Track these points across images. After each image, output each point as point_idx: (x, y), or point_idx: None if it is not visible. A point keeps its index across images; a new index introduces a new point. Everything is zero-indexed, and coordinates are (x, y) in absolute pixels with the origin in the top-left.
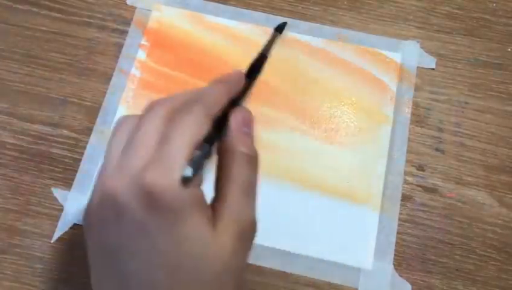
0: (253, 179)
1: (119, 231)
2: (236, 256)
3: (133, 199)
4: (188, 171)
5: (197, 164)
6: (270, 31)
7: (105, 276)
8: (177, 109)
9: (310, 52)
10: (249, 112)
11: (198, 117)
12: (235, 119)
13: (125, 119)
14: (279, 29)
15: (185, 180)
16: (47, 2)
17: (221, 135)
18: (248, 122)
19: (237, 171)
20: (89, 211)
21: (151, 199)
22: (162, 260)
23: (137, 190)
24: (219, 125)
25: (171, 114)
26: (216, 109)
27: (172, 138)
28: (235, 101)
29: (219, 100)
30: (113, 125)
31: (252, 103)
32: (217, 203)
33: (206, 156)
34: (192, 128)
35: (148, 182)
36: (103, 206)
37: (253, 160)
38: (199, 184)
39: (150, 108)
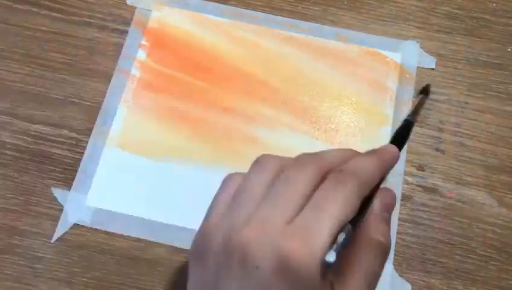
0: (380, 270)
1: (240, 280)
2: None
3: (267, 256)
4: (331, 257)
5: (339, 249)
6: (270, 31)
7: None
8: (328, 169)
9: (309, 52)
10: (395, 195)
11: (352, 194)
12: (380, 203)
13: (233, 177)
14: (425, 91)
15: (326, 265)
16: (47, 2)
17: (363, 216)
18: (391, 207)
19: (367, 259)
20: (206, 243)
21: (285, 265)
22: None
23: (274, 250)
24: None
25: (321, 175)
26: (369, 188)
27: (323, 209)
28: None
29: (374, 179)
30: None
31: (251, 103)
32: (338, 286)
33: (348, 240)
34: (344, 205)
35: (288, 248)
36: (229, 250)
37: (385, 251)
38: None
39: (300, 163)
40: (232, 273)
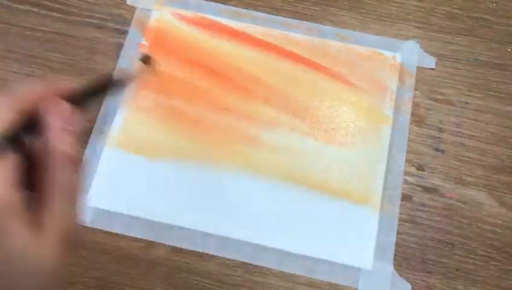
0: (75, 181)
1: None
2: (61, 265)
3: None
4: None
5: None
6: (270, 31)
7: None
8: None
9: (309, 52)
10: (68, 107)
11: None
12: (52, 115)
13: None
14: (145, 59)
15: None
16: (47, 2)
17: (36, 132)
18: (69, 118)
19: (57, 173)
20: None
21: None
22: None
23: None
24: (33, 122)
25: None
26: (23, 101)
27: None
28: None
29: (31, 92)
30: None
31: (251, 103)
32: (38, 208)
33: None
34: None
35: None
36: None
37: (74, 160)
38: (12, 184)
39: None
40: None
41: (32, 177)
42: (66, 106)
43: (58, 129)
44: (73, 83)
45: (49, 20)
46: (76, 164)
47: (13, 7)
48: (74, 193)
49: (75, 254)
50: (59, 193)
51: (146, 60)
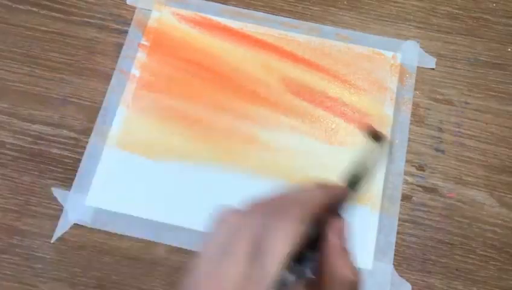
0: None
1: None
2: None
3: None
4: None
5: (278, 286)
6: (270, 31)
7: None
8: (272, 210)
9: (310, 52)
10: (346, 223)
11: (294, 220)
12: (332, 232)
13: (226, 216)
14: (378, 138)
15: None
16: (47, 2)
17: (315, 249)
18: (346, 235)
19: None
20: None
21: None
22: None
23: None
24: (313, 240)
25: (265, 219)
26: (313, 209)
27: (264, 252)
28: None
29: (316, 201)
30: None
31: (251, 103)
32: None
33: (296, 275)
34: (288, 235)
35: None
36: None
37: (353, 285)
38: None
39: (248, 211)
40: None
41: None
42: (343, 222)
43: (339, 249)
44: (343, 186)
45: (49, 20)
46: (355, 287)
47: (13, 7)
48: None
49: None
50: None
51: (376, 136)
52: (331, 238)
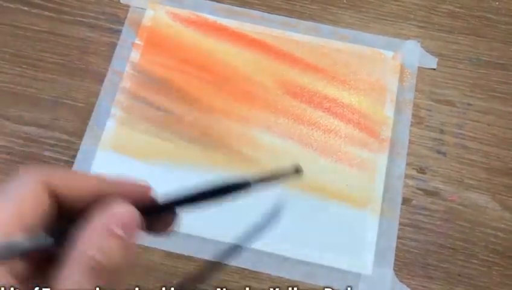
0: None
1: None
2: None
3: None
4: None
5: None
6: (267, 30)
7: None
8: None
9: (308, 52)
10: (133, 210)
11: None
12: (109, 215)
13: None
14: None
15: None
16: (38, 1)
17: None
18: (126, 224)
19: (71, 275)
20: None
21: None
22: None
23: None
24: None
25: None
26: (62, 186)
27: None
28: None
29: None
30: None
31: (248, 103)
32: None
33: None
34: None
35: None
36: None
37: (100, 271)
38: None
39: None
40: None
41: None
42: (130, 210)
43: (103, 230)
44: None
45: (41, 19)
46: (102, 273)
47: (3, 6)
48: None
49: None
50: None
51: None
52: (101, 220)
